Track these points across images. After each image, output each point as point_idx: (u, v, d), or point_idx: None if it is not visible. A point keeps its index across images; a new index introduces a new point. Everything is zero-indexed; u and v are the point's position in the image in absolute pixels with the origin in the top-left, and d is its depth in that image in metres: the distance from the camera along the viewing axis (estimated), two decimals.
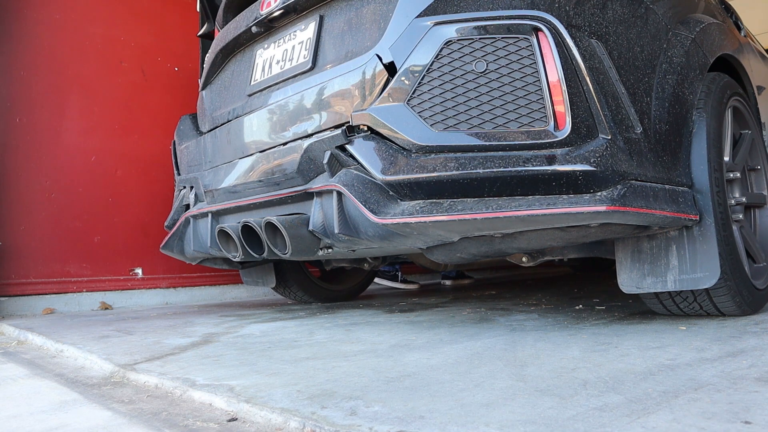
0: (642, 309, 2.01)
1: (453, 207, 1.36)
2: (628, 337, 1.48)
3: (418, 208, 1.40)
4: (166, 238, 2.34)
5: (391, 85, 1.47)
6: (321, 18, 1.85)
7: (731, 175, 1.80)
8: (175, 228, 2.30)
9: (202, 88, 2.40)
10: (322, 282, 3.08)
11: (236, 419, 1.01)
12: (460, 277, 4.30)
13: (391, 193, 1.46)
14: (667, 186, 1.47)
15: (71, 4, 3.38)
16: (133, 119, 3.56)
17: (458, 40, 1.40)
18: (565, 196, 1.29)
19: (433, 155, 1.39)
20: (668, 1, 1.75)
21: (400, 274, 3.94)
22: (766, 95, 2.51)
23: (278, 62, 1.95)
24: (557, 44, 1.32)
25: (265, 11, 1.99)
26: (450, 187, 1.37)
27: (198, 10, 2.81)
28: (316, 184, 1.64)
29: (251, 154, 1.92)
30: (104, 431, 0.99)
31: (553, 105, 1.31)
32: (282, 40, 1.98)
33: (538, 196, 1.31)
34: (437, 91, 1.40)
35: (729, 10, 2.49)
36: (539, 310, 2.15)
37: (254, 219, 1.81)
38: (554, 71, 1.31)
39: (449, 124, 1.39)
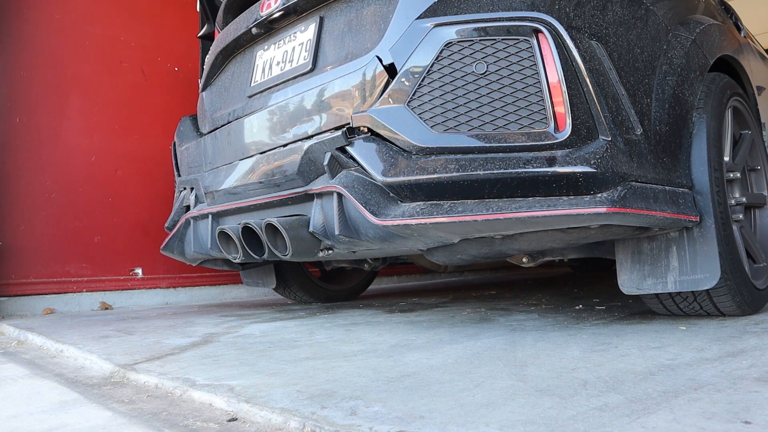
0: (642, 309, 2.01)
1: (453, 209, 1.36)
2: (628, 337, 1.48)
3: (418, 209, 1.40)
4: (167, 240, 2.34)
5: (391, 86, 1.47)
6: (321, 19, 1.85)
7: (731, 176, 1.80)
8: (175, 229, 2.30)
9: (203, 90, 2.40)
10: (322, 282, 3.08)
11: (236, 419, 1.01)
12: None
13: (391, 194, 1.46)
14: (667, 187, 1.47)
15: (71, 4, 3.38)
16: (133, 119, 3.56)
17: (458, 41, 1.40)
18: (565, 198, 1.29)
19: (433, 157, 1.39)
20: (668, 3, 1.75)
21: None
22: (766, 95, 2.51)
23: (278, 63, 1.96)
24: (557, 46, 1.32)
25: (265, 12, 1.99)
26: (450, 188, 1.37)
27: (198, 10, 2.81)
28: (317, 186, 1.64)
29: (251, 156, 1.92)
30: (104, 431, 0.99)
31: (553, 106, 1.31)
32: (282, 42, 1.99)
33: (538, 198, 1.31)
34: (437, 93, 1.40)
35: (729, 11, 2.49)
36: (539, 310, 2.15)
37: (254, 220, 1.81)
38: (554, 73, 1.31)
39: (449, 126, 1.39)
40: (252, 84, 2.06)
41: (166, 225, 2.41)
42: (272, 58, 2.00)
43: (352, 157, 1.54)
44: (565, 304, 2.32)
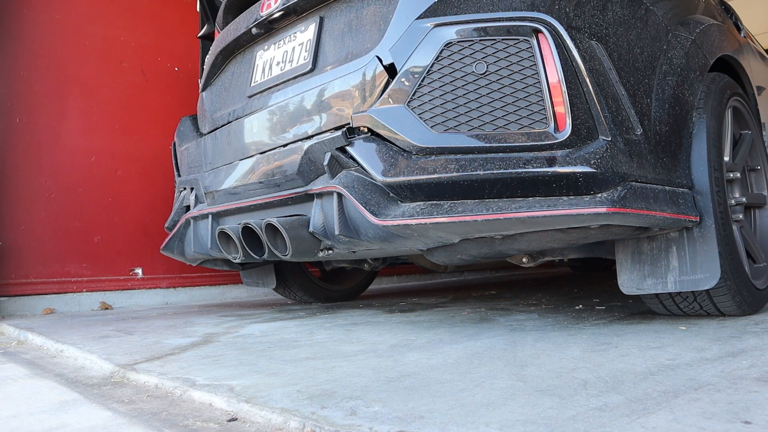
0: (642, 309, 2.01)
1: (453, 209, 1.36)
2: (628, 337, 1.48)
3: (418, 209, 1.40)
4: (167, 240, 2.34)
5: (391, 86, 1.47)
6: (321, 19, 1.85)
7: (731, 176, 1.80)
8: (175, 229, 2.30)
9: (203, 90, 2.40)
10: (322, 282, 3.08)
11: (236, 419, 1.01)
12: None
13: (391, 194, 1.46)
14: (667, 187, 1.47)
15: (71, 4, 3.38)
16: (133, 119, 3.56)
17: (458, 41, 1.40)
18: (565, 198, 1.29)
19: (433, 157, 1.39)
20: (668, 3, 1.75)
21: None
22: (766, 95, 2.51)
23: (278, 64, 1.96)
24: (557, 46, 1.32)
25: (265, 13, 1.99)
26: (450, 188, 1.37)
27: (198, 10, 2.81)
28: (317, 186, 1.64)
29: (251, 156, 1.92)
30: (104, 431, 0.99)
31: (553, 106, 1.31)
32: (282, 42, 1.99)
33: (538, 198, 1.31)
34: (437, 93, 1.40)
35: (729, 11, 2.49)
36: (539, 310, 2.15)
37: (254, 220, 1.81)
38: (554, 73, 1.31)
39: (449, 126, 1.39)
40: (252, 84, 2.06)
41: (166, 225, 2.41)
42: (272, 58, 2.00)
43: (352, 157, 1.54)
44: (565, 304, 2.32)
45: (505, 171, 1.32)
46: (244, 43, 2.17)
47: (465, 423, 0.85)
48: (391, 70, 1.50)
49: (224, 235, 1.97)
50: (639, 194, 1.34)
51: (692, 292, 1.65)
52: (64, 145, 3.28)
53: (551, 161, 1.30)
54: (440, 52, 1.41)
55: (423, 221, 1.37)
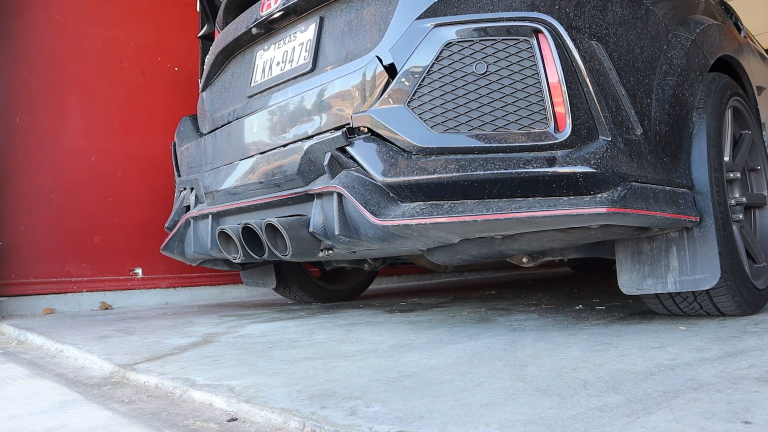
0: (642, 309, 2.01)
1: (453, 209, 1.36)
2: (628, 337, 1.48)
3: (418, 209, 1.40)
4: (167, 240, 2.34)
5: (391, 86, 1.47)
6: (321, 19, 1.85)
7: (731, 176, 1.80)
8: (175, 229, 2.30)
9: (203, 90, 2.40)
10: (322, 282, 3.08)
11: (236, 419, 1.01)
12: None
13: (391, 194, 1.46)
14: (667, 187, 1.47)
15: (71, 4, 3.38)
16: (133, 119, 3.56)
17: (458, 41, 1.40)
18: (565, 198, 1.29)
19: (433, 157, 1.39)
20: (668, 3, 1.75)
21: None
22: (766, 95, 2.51)
23: (278, 64, 1.96)
24: (557, 46, 1.32)
25: (265, 13, 1.99)
26: (450, 188, 1.37)
27: (198, 10, 2.81)
28: (317, 186, 1.64)
29: (251, 156, 1.92)
30: (104, 431, 0.99)
31: (553, 106, 1.31)
32: (282, 42, 1.99)
33: (538, 198, 1.31)
34: (437, 93, 1.40)
35: (729, 11, 2.50)
36: (539, 310, 2.15)
37: (255, 220, 1.81)
38: (554, 73, 1.31)
39: (449, 126, 1.39)
40: (252, 84, 2.06)
41: (166, 225, 2.41)
42: (272, 58, 2.00)
43: (352, 157, 1.54)
44: (565, 304, 2.32)
45: (505, 171, 1.32)
46: (244, 43, 2.17)
47: (465, 423, 0.85)
48: (391, 70, 1.50)
49: (224, 235, 1.97)
50: (639, 194, 1.34)
51: (692, 292, 1.65)
52: (64, 145, 3.28)
53: (551, 161, 1.30)
54: (440, 52, 1.41)
55: (423, 221, 1.37)
